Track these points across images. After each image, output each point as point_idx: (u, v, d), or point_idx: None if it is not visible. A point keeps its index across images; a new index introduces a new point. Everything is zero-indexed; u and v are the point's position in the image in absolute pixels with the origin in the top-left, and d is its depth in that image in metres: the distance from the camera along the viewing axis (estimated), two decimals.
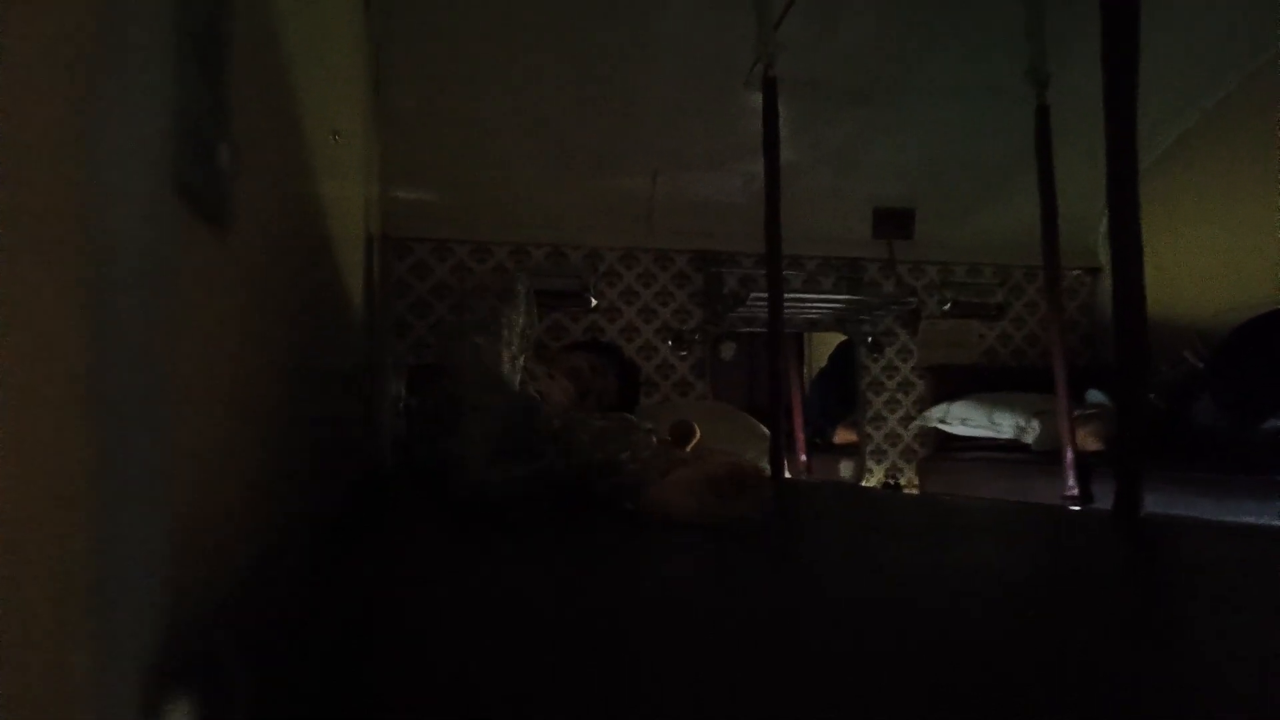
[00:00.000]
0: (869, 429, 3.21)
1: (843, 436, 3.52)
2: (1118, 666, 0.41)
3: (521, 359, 1.42)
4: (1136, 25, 1.09)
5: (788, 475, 2.24)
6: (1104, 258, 3.41)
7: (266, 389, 0.33)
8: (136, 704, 0.15)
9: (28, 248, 0.13)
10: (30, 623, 0.13)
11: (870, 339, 3.22)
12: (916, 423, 3.17)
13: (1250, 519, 1.82)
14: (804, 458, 3.40)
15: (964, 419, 2.92)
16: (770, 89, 2.05)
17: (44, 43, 0.14)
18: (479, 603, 0.54)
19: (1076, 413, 2.39)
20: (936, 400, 3.11)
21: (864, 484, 3.15)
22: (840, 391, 3.53)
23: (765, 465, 2.13)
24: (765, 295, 2.08)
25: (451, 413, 1.29)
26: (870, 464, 3.19)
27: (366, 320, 1.40)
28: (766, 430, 2.35)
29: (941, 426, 3.02)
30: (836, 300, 3.04)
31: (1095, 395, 2.71)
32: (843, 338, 3.48)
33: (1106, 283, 3.42)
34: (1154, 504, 1.87)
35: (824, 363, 3.95)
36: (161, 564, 0.16)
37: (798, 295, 2.95)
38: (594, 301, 2.95)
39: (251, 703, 0.19)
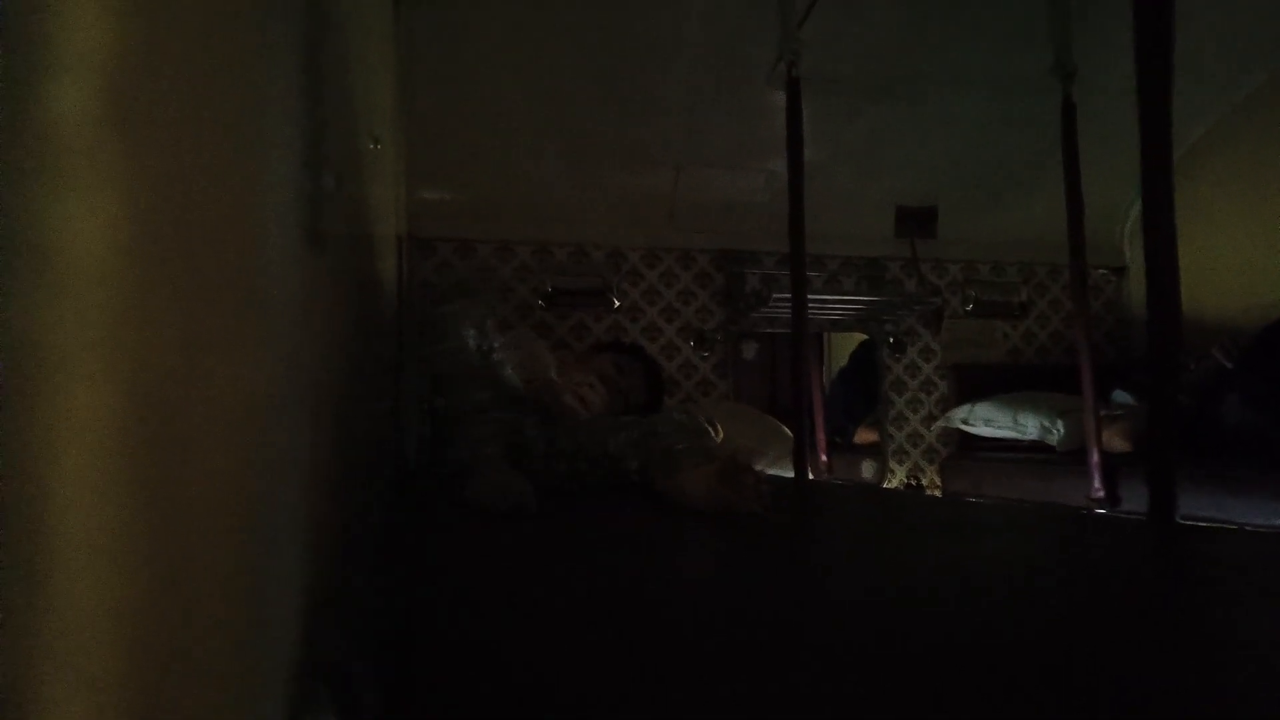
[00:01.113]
0: (891, 429, 3.20)
1: (864, 436, 3.50)
2: (1154, 679, 0.41)
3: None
4: (1171, 14, 1.08)
5: (810, 476, 2.24)
6: (1130, 255, 3.38)
7: (345, 394, 0.33)
8: (285, 706, 0.15)
9: (209, 298, 0.14)
10: (196, 620, 0.14)
11: (892, 338, 3.21)
12: (939, 423, 3.16)
13: None
14: (825, 458, 3.39)
15: (988, 419, 2.90)
16: (794, 88, 2.04)
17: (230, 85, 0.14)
18: (519, 598, 0.55)
19: (1103, 413, 2.37)
20: (960, 400, 3.09)
21: (885, 484, 3.14)
22: (861, 391, 3.51)
23: (788, 466, 2.13)
24: (788, 295, 2.08)
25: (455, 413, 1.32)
26: (892, 464, 3.18)
27: (396, 321, 1.41)
28: (788, 431, 2.35)
29: (964, 427, 3.00)
30: (859, 300, 3.03)
31: (1121, 396, 2.69)
32: (863, 337, 3.46)
33: (1132, 281, 3.39)
34: (1182, 504, 1.86)
35: (844, 362, 3.93)
36: (302, 566, 0.17)
37: (819, 295, 2.94)
38: (616, 302, 2.96)
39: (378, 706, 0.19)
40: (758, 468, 1.09)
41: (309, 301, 0.21)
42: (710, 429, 1.46)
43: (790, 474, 2.04)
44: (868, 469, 3.30)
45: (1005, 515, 1.22)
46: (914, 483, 3.13)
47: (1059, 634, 0.50)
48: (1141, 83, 1.07)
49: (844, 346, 3.98)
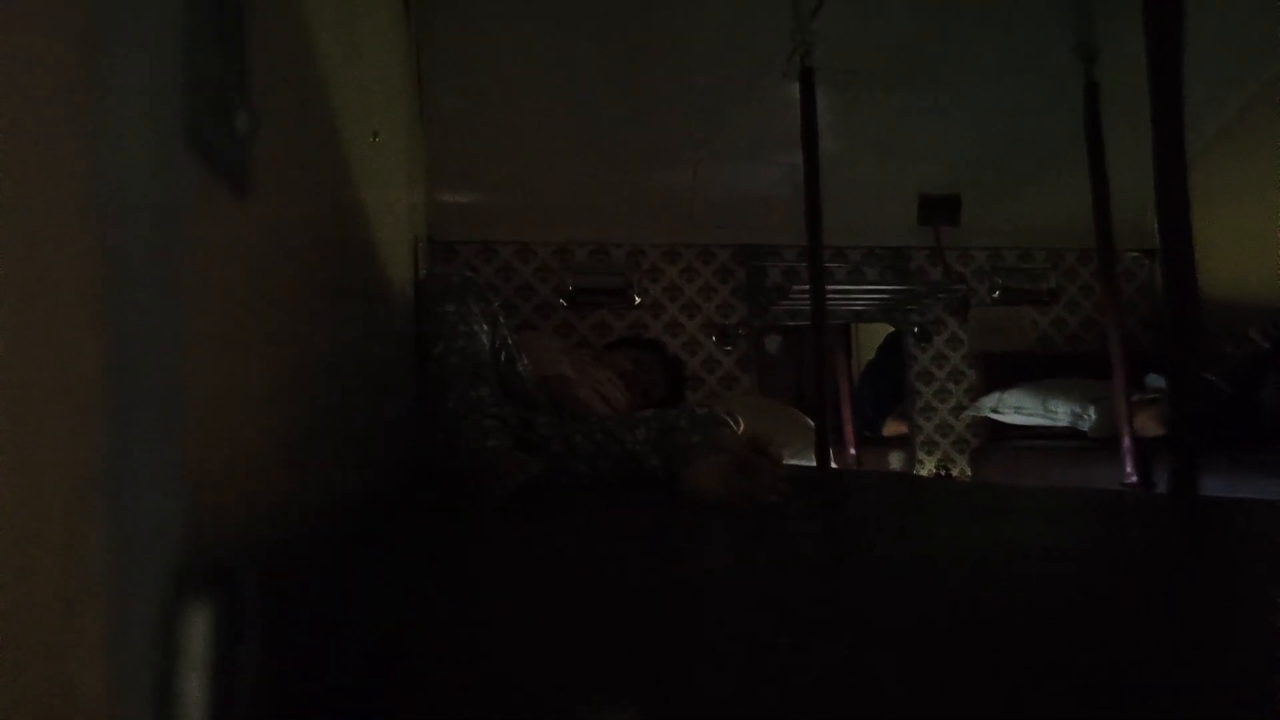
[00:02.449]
0: (919, 420, 3.16)
1: (893, 429, 3.47)
2: (1163, 643, 0.41)
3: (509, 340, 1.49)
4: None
5: (834, 466, 2.22)
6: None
7: (295, 365, 0.34)
8: (155, 604, 0.16)
9: (36, 189, 0.14)
10: (46, 515, 0.14)
11: (917, 328, 3.18)
12: (968, 412, 3.12)
13: None
14: (853, 450, 3.36)
15: (1017, 407, 2.86)
16: (808, 79, 2.03)
17: None
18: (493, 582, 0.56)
19: (1135, 398, 2.32)
20: (988, 389, 3.05)
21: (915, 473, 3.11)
22: (889, 383, 3.48)
23: (812, 457, 2.12)
24: (808, 287, 2.07)
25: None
26: (921, 455, 3.14)
27: (416, 322, 1.43)
28: (811, 423, 2.34)
29: (994, 416, 2.96)
30: (882, 290, 3.00)
31: (1155, 379, 2.63)
32: (891, 329, 3.43)
33: None
34: (1220, 487, 1.82)
35: (872, 354, 3.90)
36: (176, 498, 0.17)
37: (842, 287, 2.92)
38: (638, 299, 2.97)
39: (264, 625, 0.20)
40: (777, 454, 1.07)
41: (219, 254, 0.21)
42: (731, 422, 1.45)
43: (813, 464, 2.03)
44: (895, 460, 3.27)
45: (1020, 498, 1.20)
46: (943, 472, 3.10)
47: (1074, 607, 0.49)
48: (1152, 65, 1.05)
49: (873, 339, 3.95)
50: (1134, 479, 2.16)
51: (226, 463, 0.22)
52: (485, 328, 1.39)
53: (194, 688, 0.16)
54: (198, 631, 0.16)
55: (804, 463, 2.28)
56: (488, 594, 0.56)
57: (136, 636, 0.15)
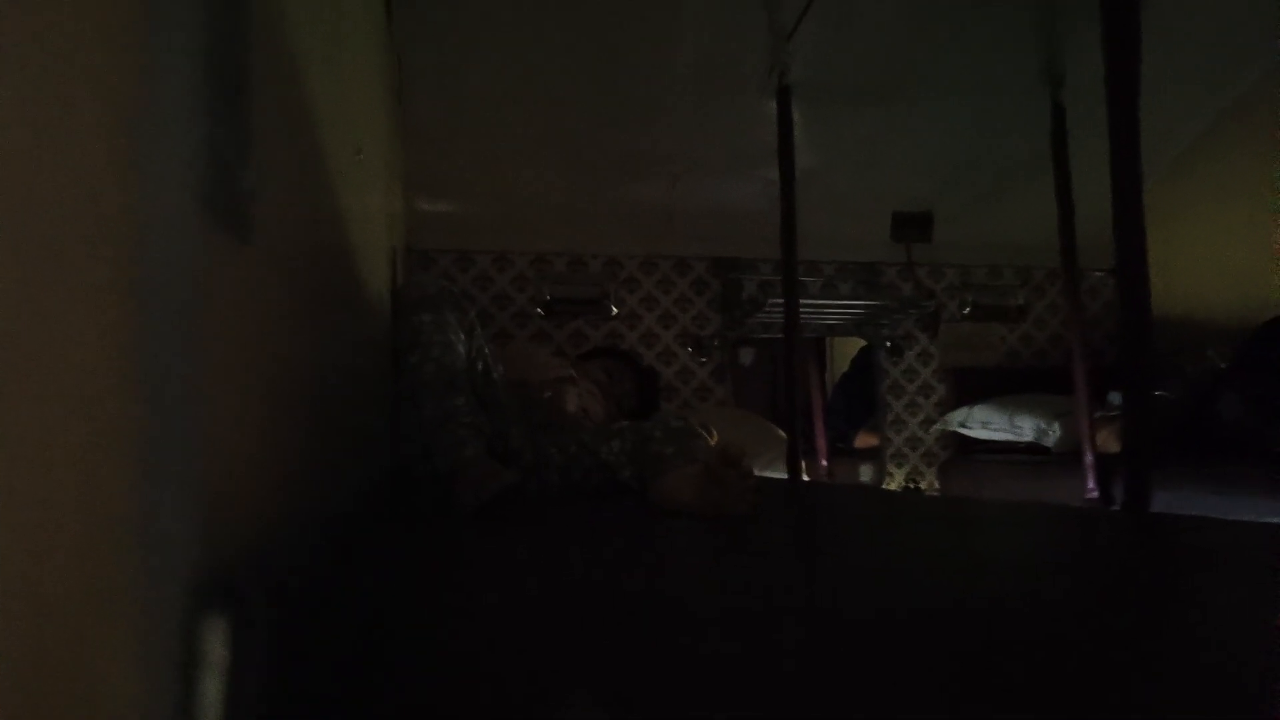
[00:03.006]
0: (890, 433, 3.21)
1: (864, 440, 3.52)
2: (1112, 647, 0.44)
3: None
4: (1137, 20, 1.11)
5: (805, 478, 2.25)
6: None
7: (290, 386, 0.36)
8: (178, 615, 0.18)
9: (78, 255, 0.16)
10: (81, 535, 0.16)
11: (889, 343, 3.23)
12: (937, 426, 3.17)
13: (1276, 519, 1.81)
14: (825, 462, 3.40)
15: (985, 422, 2.92)
16: (784, 97, 2.07)
17: (89, 82, 0.17)
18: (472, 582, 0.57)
19: (1098, 414, 2.38)
20: (958, 403, 3.11)
21: (883, 487, 3.15)
22: (862, 396, 3.53)
23: (784, 469, 2.15)
24: (783, 300, 2.11)
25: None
26: (891, 468, 3.19)
27: (393, 331, 1.43)
28: (784, 434, 2.37)
29: (962, 430, 3.02)
30: (855, 305, 3.05)
31: (1117, 397, 2.70)
32: (864, 343, 3.48)
33: None
34: (1178, 502, 1.88)
35: (846, 367, 3.96)
36: (194, 519, 0.19)
37: (816, 301, 2.96)
38: (614, 309, 2.99)
39: (273, 636, 0.22)
40: (748, 466, 1.10)
41: (228, 297, 0.23)
42: (705, 433, 1.47)
43: (784, 476, 2.06)
44: (865, 473, 3.32)
45: (983, 511, 1.24)
46: (912, 485, 3.15)
47: (1027, 614, 0.52)
48: (1111, 89, 1.09)
49: (847, 352, 4.01)
50: (1095, 494, 2.21)
51: (236, 482, 0.24)
52: (462, 337, 1.40)
53: (213, 690, 0.18)
54: (215, 639, 0.18)
55: (775, 474, 2.31)
56: (462, 600, 0.58)
57: (161, 645, 0.17)
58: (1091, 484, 2.22)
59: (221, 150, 0.21)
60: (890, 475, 3.18)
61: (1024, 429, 2.78)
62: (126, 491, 0.17)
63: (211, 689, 0.18)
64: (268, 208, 0.28)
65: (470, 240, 2.89)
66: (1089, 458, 2.23)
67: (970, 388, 3.13)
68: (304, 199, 0.41)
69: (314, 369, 0.44)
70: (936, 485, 3.16)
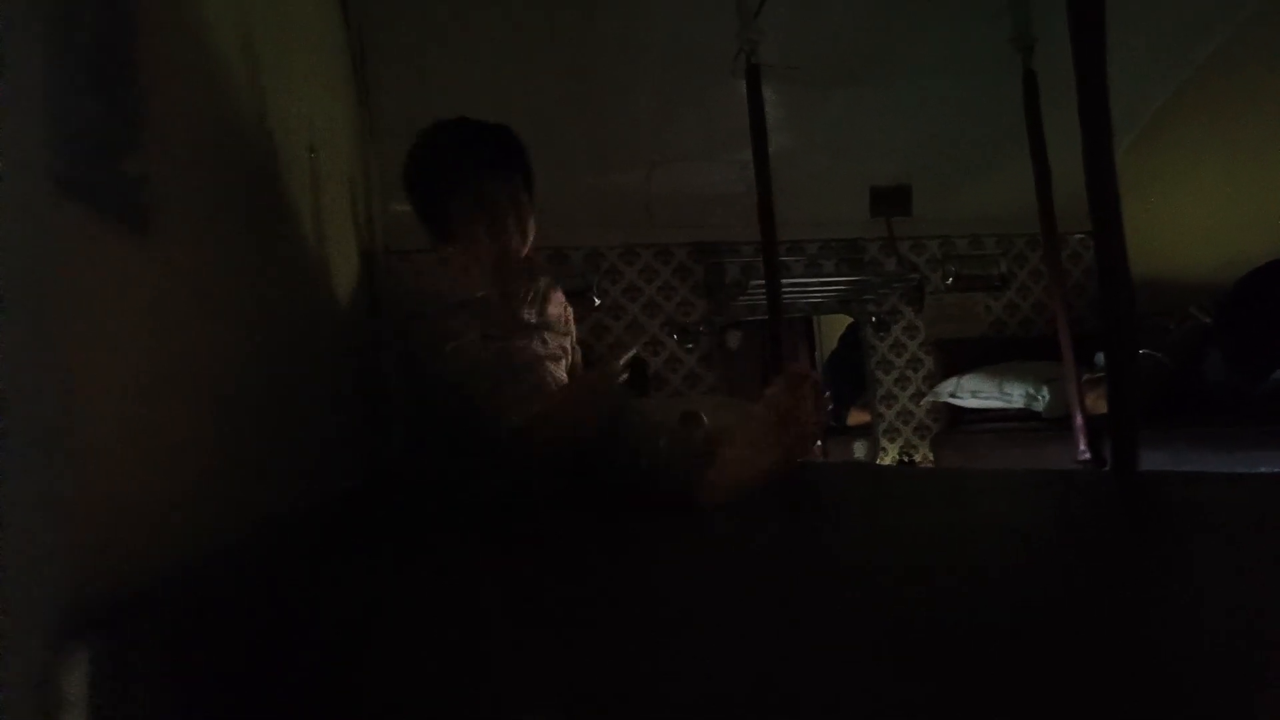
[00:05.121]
0: (881, 408, 3.21)
1: (856, 418, 3.52)
2: (1106, 609, 0.43)
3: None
4: None
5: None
6: None
7: (210, 380, 0.34)
8: (37, 653, 0.16)
9: None
10: None
11: (875, 318, 3.23)
12: (927, 398, 3.17)
13: (1264, 469, 1.81)
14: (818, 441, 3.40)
15: (974, 391, 2.92)
16: (753, 77, 2.06)
17: None
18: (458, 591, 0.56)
19: (1085, 376, 2.39)
20: (946, 375, 3.11)
21: (878, 462, 3.16)
22: (852, 373, 3.53)
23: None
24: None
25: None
26: (885, 443, 3.19)
27: (372, 331, 1.42)
28: None
29: (953, 401, 3.02)
30: (838, 282, 3.05)
31: (1103, 358, 2.70)
32: (850, 320, 3.48)
33: None
34: (1166, 460, 1.88)
35: (835, 345, 3.96)
36: (57, 537, 0.18)
37: (799, 280, 2.95)
38: (597, 300, 2.97)
39: (156, 670, 0.20)
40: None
41: (111, 287, 0.22)
42: (698, 419, 1.43)
43: None
44: (859, 449, 3.32)
45: (973, 480, 1.24)
46: (906, 459, 3.15)
47: (1026, 575, 0.51)
48: (1078, 51, 1.09)
49: (835, 330, 4.00)
50: (1086, 455, 2.22)
51: (126, 495, 0.22)
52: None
53: None
54: (81, 681, 0.16)
55: None
56: (437, 604, 0.57)
57: (15, 692, 0.15)
58: (1083, 446, 2.22)
59: (93, 121, 0.20)
60: (884, 450, 3.18)
61: (1013, 396, 2.78)
62: None
63: None
64: (174, 197, 0.27)
65: None
66: (1079, 420, 2.23)
67: (958, 359, 3.13)
68: (228, 192, 0.40)
69: (247, 372, 0.42)
70: (930, 457, 3.17)
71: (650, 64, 2.48)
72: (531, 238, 1.46)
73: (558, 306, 1.53)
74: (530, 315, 1.43)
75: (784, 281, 2.16)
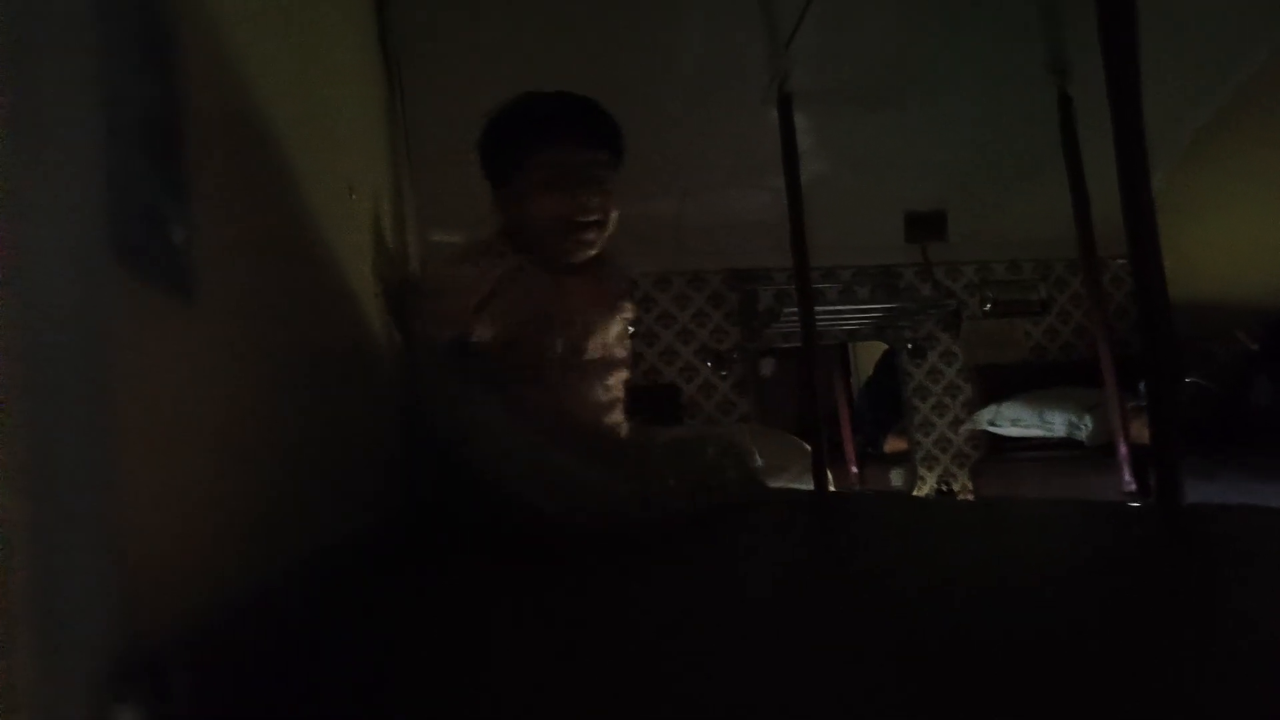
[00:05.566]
0: (918, 435, 3.17)
1: (893, 445, 3.47)
2: (1149, 648, 0.42)
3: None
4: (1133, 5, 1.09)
5: (832, 489, 2.23)
6: None
7: (254, 437, 0.35)
8: (84, 705, 0.17)
9: None
10: None
11: (911, 344, 3.19)
12: (966, 426, 3.12)
13: None
14: (855, 469, 3.36)
15: (1014, 419, 2.87)
16: (785, 105, 2.07)
17: None
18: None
19: (1130, 404, 2.33)
20: (985, 402, 3.06)
21: (915, 492, 3.10)
22: (888, 400, 3.49)
23: (809, 480, 2.12)
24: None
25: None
26: (922, 471, 3.14)
27: (413, 366, 1.43)
28: (807, 446, 2.34)
29: (992, 429, 2.97)
30: (874, 309, 3.03)
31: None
32: (886, 347, 3.45)
33: None
34: (1210, 492, 1.82)
35: (871, 372, 3.92)
36: (111, 590, 0.18)
37: (834, 307, 2.94)
38: (631, 329, 2.98)
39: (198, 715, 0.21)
40: (778, 484, 1.05)
41: (152, 349, 0.22)
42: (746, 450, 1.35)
43: (810, 487, 2.03)
44: (896, 478, 3.27)
45: (1008, 512, 1.21)
46: (944, 489, 3.10)
47: (1062, 614, 0.50)
48: (1111, 75, 1.08)
49: (872, 357, 3.97)
50: (1133, 486, 2.16)
51: (169, 550, 0.23)
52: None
53: None
54: None
55: (802, 485, 2.28)
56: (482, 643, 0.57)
57: None
58: (1128, 476, 2.17)
59: (144, 185, 0.20)
60: (922, 479, 3.13)
61: (1055, 424, 2.72)
62: (25, 571, 0.16)
63: None
64: (223, 258, 0.28)
65: None
66: (1123, 450, 2.18)
67: (997, 385, 3.08)
68: (277, 243, 0.41)
69: (290, 427, 0.43)
70: (970, 487, 3.11)
71: (682, 94, 2.51)
72: (611, 230, 1.19)
73: (621, 324, 1.23)
74: (594, 346, 1.15)
75: (818, 308, 2.14)
